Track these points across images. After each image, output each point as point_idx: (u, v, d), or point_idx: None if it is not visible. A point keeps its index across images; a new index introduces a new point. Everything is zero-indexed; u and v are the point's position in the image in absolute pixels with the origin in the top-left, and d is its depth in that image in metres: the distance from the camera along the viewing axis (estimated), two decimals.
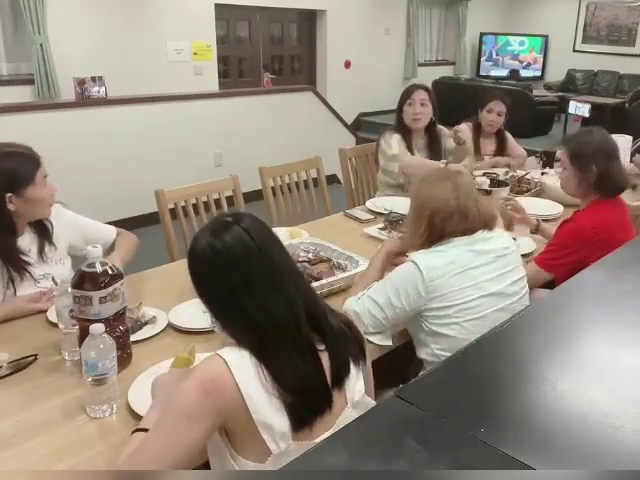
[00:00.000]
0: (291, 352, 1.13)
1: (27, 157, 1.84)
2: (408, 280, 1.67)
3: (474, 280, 1.68)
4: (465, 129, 3.59)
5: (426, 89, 3.24)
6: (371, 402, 1.28)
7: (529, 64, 10.79)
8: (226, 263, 1.14)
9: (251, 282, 1.13)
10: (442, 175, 1.80)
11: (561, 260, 2.12)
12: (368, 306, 1.70)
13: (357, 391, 1.25)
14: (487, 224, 1.75)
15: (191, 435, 1.09)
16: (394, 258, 1.96)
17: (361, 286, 1.83)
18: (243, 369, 1.10)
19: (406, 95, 3.21)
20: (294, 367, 1.12)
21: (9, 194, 1.78)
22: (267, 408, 1.10)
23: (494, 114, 3.61)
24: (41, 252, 1.93)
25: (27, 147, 1.87)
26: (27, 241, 1.92)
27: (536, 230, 2.48)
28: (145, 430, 1.17)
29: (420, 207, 1.74)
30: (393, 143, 3.16)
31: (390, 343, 1.75)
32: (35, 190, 1.82)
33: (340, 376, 1.20)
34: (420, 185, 1.80)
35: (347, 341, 1.24)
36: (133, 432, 1.21)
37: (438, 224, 1.70)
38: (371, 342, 1.70)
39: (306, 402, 1.14)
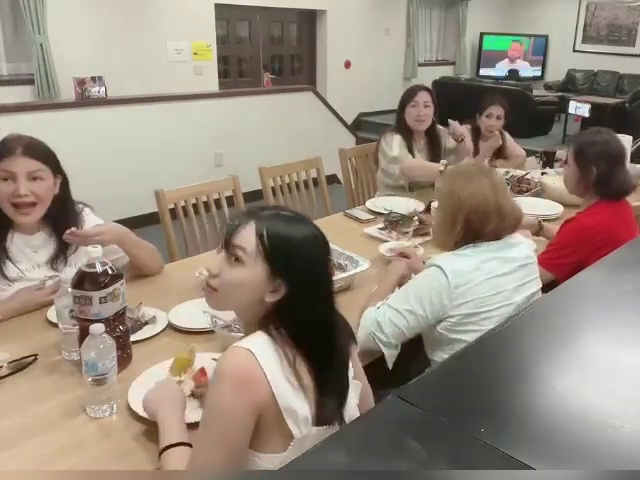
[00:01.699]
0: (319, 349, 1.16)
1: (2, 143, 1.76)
2: (432, 287, 1.59)
3: (500, 288, 1.62)
4: (458, 125, 3.58)
5: (429, 90, 3.24)
6: (357, 383, 1.29)
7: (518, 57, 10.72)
8: (325, 250, 1.19)
9: (329, 275, 1.21)
10: (477, 171, 1.70)
11: (563, 259, 2.11)
12: (389, 315, 1.61)
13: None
14: (517, 224, 1.69)
15: (237, 434, 1.08)
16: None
17: (376, 300, 1.73)
18: (267, 357, 1.09)
19: (409, 97, 3.19)
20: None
21: None
22: (291, 394, 1.10)
23: (493, 119, 3.61)
24: (53, 262, 1.87)
25: (17, 137, 1.77)
26: (38, 242, 1.86)
27: (538, 232, 2.44)
28: (175, 445, 1.17)
29: (457, 204, 1.62)
30: (394, 144, 3.15)
31: (391, 363, 1.65)
32: None
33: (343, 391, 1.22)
34: (454, 182, 1.67)
35: (348, 342, 1.26)
36: (162, 451, 1.18)
37: (476, 224, 1.60)
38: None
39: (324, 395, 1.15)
